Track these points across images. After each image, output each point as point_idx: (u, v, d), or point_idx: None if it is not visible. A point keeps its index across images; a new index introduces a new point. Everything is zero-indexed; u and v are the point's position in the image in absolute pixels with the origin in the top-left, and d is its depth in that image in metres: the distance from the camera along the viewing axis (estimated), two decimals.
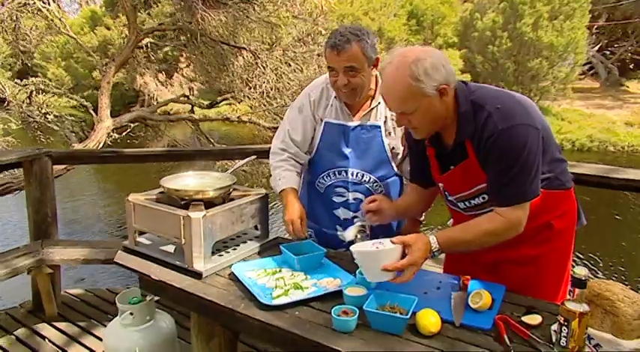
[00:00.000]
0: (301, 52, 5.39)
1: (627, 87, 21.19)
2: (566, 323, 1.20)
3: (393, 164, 2.04)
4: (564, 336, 1.21)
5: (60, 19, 5.93)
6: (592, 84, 21.72)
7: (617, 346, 1.21)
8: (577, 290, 1.20)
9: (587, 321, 1.19)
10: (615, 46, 23.01)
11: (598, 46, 21.52)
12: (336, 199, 2.07)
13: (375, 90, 1.99)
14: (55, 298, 3.00)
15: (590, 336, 1.26)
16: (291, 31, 5.59)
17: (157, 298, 2.30)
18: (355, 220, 1.97)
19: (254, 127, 6.35)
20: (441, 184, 1.78)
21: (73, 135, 5.71)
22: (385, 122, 1.99)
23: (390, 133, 2.00)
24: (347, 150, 2.01)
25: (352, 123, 1.99)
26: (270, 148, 2.19)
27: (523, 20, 15.61)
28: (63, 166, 4.50)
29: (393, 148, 2.01)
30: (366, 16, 17.37)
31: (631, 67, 23.73)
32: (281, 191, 2.02)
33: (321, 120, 2.04)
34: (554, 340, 1.27)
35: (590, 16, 17.47)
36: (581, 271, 1.20)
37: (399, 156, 2.05)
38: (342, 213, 2.08)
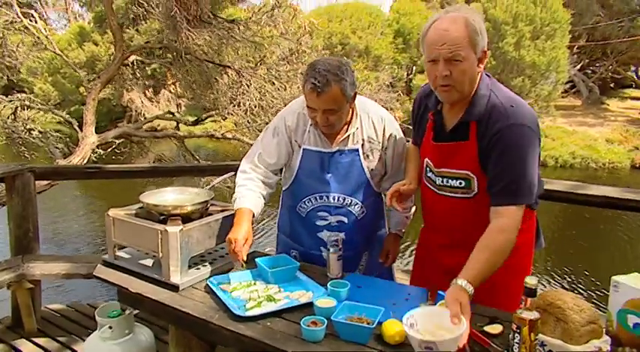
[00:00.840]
0: (285, 70, 5.50)
1: (608, 105, 21.69)
2: (518, 330, 1.28)
3: (373, 184, 2.07)
4: (517, 342, 1.28)
5: (46, 37, 6.00)
6: (574, 102, 22.19)
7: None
8: (528, 299, 1.28)
9: (537, 328, 1.27)
10: (596, 65, 23.61)
11: (579, 65, 22.05)
12: (319, 223, 2.07)
13: (352, 117, 2.00)
14: (35, 313, 3.00)
15: (542, 342, 1.33)
16: (275, 50, 5.71)
17: (136, 312, 2.34)
18: (329, 237, 2.00)
19: (239, 144, 6.40)
20: (427, 159, 1.82)
21: (58, 151, 5.73)
22: (363, 145, 2.01)
23: (367, 156, 2.02)
24: (327, 176, 2.01)
25: (331, 149, 2.00)
26: None
27: (505, 40, 15.99)
28: (46, 182, 4.52)
29: (372, 170, 2.04)
30: (354, 34, 17.65)
31: (611, 85, 24.34)
32: (237, 210, 1.97)
33: (299, 147, 2.04)
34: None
35: (571, 36, 17.95)
36: (531, 281, 1.28)
37: (378, 176, 2.08)
38: (325, 235, 2.08)
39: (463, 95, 1.62)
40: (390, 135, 2.04)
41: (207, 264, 1.98)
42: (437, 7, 24.39)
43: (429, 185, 1.83)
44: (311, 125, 2.00)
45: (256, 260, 1.91)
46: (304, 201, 2.08)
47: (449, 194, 1.74)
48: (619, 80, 24.59)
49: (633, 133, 17.02)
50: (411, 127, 2.06)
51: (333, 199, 2.03)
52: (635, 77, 24.49)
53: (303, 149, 2.03)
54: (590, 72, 23.48)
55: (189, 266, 1.89)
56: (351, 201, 2.03)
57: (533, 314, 1.26)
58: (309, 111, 1.92)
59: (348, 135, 1.99)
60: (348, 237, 2.06)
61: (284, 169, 2.14)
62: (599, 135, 17.09)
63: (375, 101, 2.29)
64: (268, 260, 1.93)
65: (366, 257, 2.18)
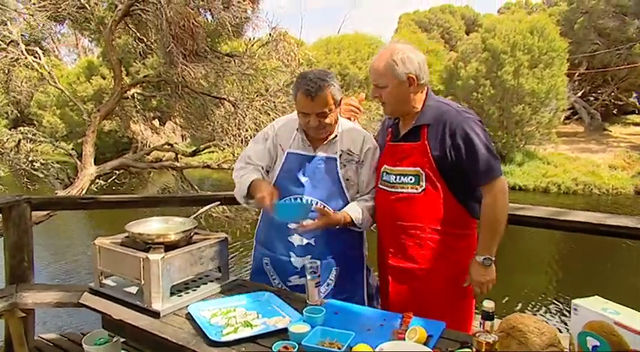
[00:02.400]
0: (281, 102, 5.65)
1: (610, 131, 21.76)
2: None
3: (348, 195, 2.16)
4: None
5: (49, 73, 6.22)
6: (577, 128, 22.29)
7: None
8: (486, 322, 1.32)
9: (495, 351, 1.31)
10: (598, 91, 23.82)
11: (581, 92, 22.26)
12: (291, 225, 2.14)
13: (334, 125, 2.15)
14: (28, 343, 3.02)
15: None
16: (270, 82, 5.88)
17: (123, 339, 2.37)
18: (306, 263, 1.99)
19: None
20: (384, 166, 2.08)
21: (58, 182, 5.84)
22: (341, 156, 2.15)
23: (344, 165, 2.15)
24: (303, 179, 2.12)
25: (312, 153, 2.14)
26: None
27: (504, 68, 16.23)
28: (45, 212, 4.60)
29: (348, 179, 2.15)
30: (354, 65, 17.95)
31: (614, 112, 24.46)
32: (250, 184, 2.10)
33: (283, 151, 2.17)
34: None
35: (571, 64, 18.21)
36: (488, 305, 1.32)
37: (354, 187, 2.18)
38: (296, 239, 2.14)
39: (399, 111, 2.03)
40: (368, 149, 2.20)
41: (190, 291, 2.03)
42: (437, 38, 24.91)
43: (384, 187, 2.06)
44: (297, 130, 2.15)
45: (276, 204, 1.99)
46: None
47: (401, 190, 1.99)
48: (621, 106, 24.74)
49: (636, 159, 17.01)
50: None
51: (306, 202, 2.10)
52: (637, 103, 24.63)
53: (287, 153, 2.16)
54: (592, 98, 23.67)
55: (172, 293, 1.94)
56: (324, 207, 2.10)
57: (491, 337, 1.30)
58: (301, 117, 2.08)
59: (330, 141, 2.14)
60: (318, 243, 2.13)
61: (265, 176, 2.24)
62: (602, 162, 17.10)
63: (373, 129, 2.43)
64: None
65: (337, 273, 2.19)
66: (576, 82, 21.58)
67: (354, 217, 2.09)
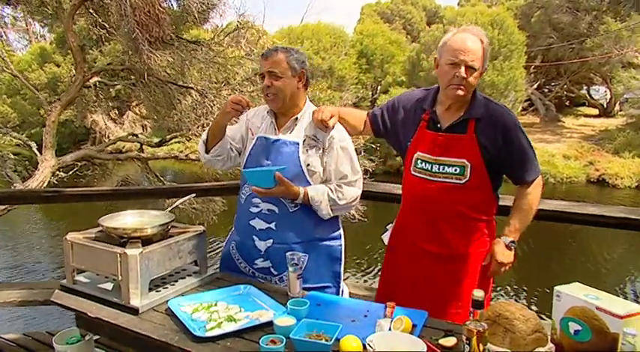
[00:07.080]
0: (249, 91, 5.56)
1: (564, 122, 22.62)
2: (467, 342, 1.34)
3: (310, 181, 2.11)
4: None
5: (4, 59, 5.88)
6: (533, 119, 23.05)
7: None
8: (476, 311, 1.34)
9: (485, 338, 1.33)
10: (552, 84, 24.69)
11: (537, 84, 23.00)
12: (252, 210, 2.14)
13: (301, 109, 2.17)
14: None
15: None
16: (239, 70, 5.77)
17: (96, 337, 2.29)
18: (288, 255, 1.94)
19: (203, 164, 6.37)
20: (417, 153, 2.06)
21: (16, 175, 5.55)
22: (304, 141, 2.13)
23: (307, 151, 2.12)
24: (266, 163, 2.12)
25: (274, 137, 2.14)
26: (215, 186, 2.28)
27: None
28: (3, 207, 4.38)
29: (309, 165, 2.11)
30: (317, 55, 17.84)
31: (567, 103, 25.45)
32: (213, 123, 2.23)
33: (253, 135, 2.20)
34: None
35: (527, 57, 18.75)
36: (478, 293, 1.34)
37: (317, 175, 2.12)
38: (256, 223, 2.13)
39: (467, 96, 1.98)
40: (332, 137, 2.12)
41: (168, 286, 1.98)
42: (399, 29, 25.14)
43: (420, 175, 2.06)
44: (267, 114, 2.19)
45: (243, 171, 2.07)
46: (245, 187, 2.19)
47: (443, 180, 2.00)
48: (573, 98, 25.76)
49: (587, 149, 17.78)
50: (374, 147, 2.26)
51: (270, 170, 2.07)
52: (587, 96, 25.71)
53: (257, 137, 2.18)
54: (546, 90, 24.52)
55: (150, 289, 1.88)
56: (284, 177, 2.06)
57: (481, 326, 1.32)
58: (260, 81, 2.15)
59: (294, 124, 2.15)
60: (279, 228, 2.11)
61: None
62: (557, 152, 17.76)
63: None
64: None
65: (304, 261, 2.07)
66: (532, 75, 22.29)
67: (311, 195, 2.07)
